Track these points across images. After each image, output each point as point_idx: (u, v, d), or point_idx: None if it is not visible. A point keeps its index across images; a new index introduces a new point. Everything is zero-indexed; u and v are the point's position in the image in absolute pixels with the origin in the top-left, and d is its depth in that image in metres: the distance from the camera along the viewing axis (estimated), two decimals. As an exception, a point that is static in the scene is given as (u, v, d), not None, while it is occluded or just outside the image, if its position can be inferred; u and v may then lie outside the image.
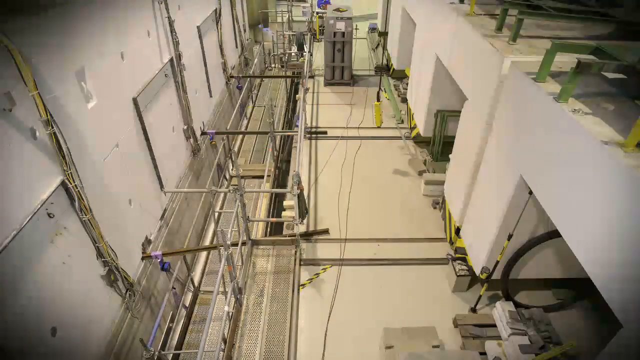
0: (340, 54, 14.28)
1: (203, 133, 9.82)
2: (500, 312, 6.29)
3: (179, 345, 6.65)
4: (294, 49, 16.00)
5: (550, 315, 6.35)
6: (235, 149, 12.13)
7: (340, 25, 13.81)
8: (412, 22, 11.53)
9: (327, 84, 14.92)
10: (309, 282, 7.64)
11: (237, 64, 14.21)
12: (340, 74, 14.80)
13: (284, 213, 8.62)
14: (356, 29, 15.54)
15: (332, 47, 14.23)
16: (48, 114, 4.22)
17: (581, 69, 4.05)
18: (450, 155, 8.06)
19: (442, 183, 8.67)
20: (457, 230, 7.39)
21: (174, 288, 6.86)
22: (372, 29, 19.34)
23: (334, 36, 14.01)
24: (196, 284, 7.85)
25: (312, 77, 15.52)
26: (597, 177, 3.70)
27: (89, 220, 4.89)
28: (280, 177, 11.23)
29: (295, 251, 7.83)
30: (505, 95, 5.57)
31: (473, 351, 5.72)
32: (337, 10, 14.54)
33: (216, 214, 8.80)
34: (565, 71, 4.56)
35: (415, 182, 9.98)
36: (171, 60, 7.76)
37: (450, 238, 8.00)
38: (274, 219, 9.19)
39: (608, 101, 4.40)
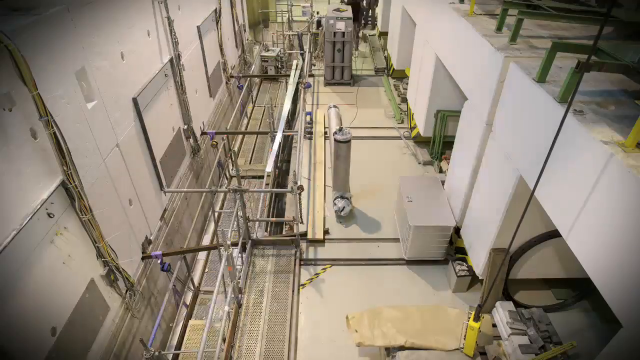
0: (340, 54, 14.24)
1: (203, 133, 9.82)
2: (500, 312, 6.29)
3: (179, 345, 6.65)
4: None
5: (550, 315, 6.34)
6: (235, 149, 12.12)
7: (340, 25, 13.72)
8: (412, 22, 11.53)
9: (327, 84, 14.91)
10: (309, 282, 7.64)
11: (237, 64, 14.21)
12: (341, 74, 14.78)
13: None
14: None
15: (332, 47, 14.14)
16: (48, 114, 4.22)
17: (581, 69, 4.05)
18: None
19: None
20: (457, 230, 7.39)
21: (175, 286, 6.84)
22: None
23: (334, 36, 13.94)
24: (196, 284, 7.85)
25: (311, 75, 15.51)
26: (597, 177, 3.70)
27: (89, 220, 4.89)
28: (280, 177, 11.23)
29: (295, 251, 7.83)
30: (505, 95, 5.57)
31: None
32: (337, 10, 14.42)
33: (216, 214, 8.80)
34: (565, 71, 4.56)
35: (415, 182, 9.97)
36: (171, 60, 7.76)
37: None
38: (274, 219, 9.20)
39: (608, 101, 4.41)
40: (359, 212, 9.22)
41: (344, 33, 13.90)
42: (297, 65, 11.27)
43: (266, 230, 9.27)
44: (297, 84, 11.30)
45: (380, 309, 6.15)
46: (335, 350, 6.49)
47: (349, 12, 14.19)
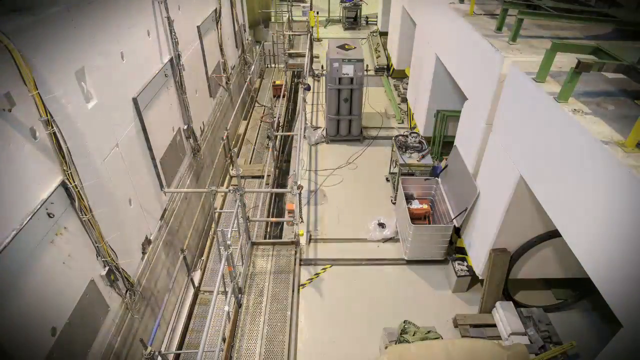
0: (348, 104, 11.07)
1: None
2: (500, 312, 6.29)
3: (179, 346, 6.64)
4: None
5: (550, 315, 6.36)
6: (236, 149, 12.12)
7: (348, 70, 10.51)
8: (412, 22, 11.54)
9: (332, 140, 11.80)
10: (309, 282, 7.64)
11: (237, 64, 14.20)
12: (347, 128, 11.61)
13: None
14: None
15: (336, 96, 11.01)
16: (48, 114, 4.22)
17: (581, 69, 4.05)
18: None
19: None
20: (457, 230, 7.39)
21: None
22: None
23: (339, 82, 10.72)
24: (196, 284, 7.84)
25: (312, 75, 15.42)
26: (597, 177, 3.71)
27: (89, 220, 4.89)
28: (280, 177, 11.23)
29: (295, 251, 7.83)
30: (505, 95, 5.57)
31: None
32: (342, 47, 11.01)
33: (216, 214, 8.80)
34: (565, 71, 4.57)
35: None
36: (171, 60, 7.75)
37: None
38: (274, 219, 9.20)
39: (608, 101, 4.41)
40: (359, 211, 9.22)
41: (352, 79, 10.65)
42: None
43: (266, 231, 9.28)
44: (297, 83, 11.27)
45: (408, 346, 5.47)
46: (335, 351, 6.49)
47: (358, 50, 10.98)
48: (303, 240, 8.39)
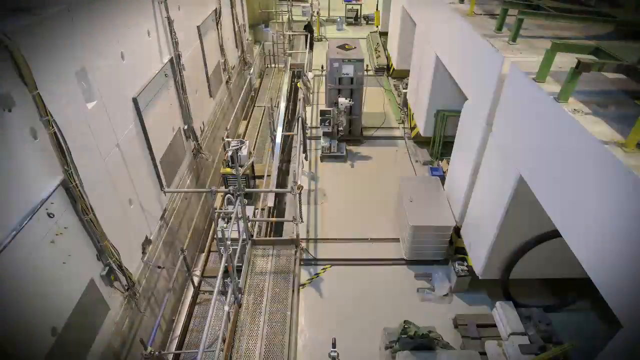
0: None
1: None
2: (500, 312, 6.29)
3: (179, 345, 6.64)
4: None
5: (550, 315, 6.35)
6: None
7: (348, 69, 10.59)
8: (412, 22, 11.54)
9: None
10: (309, 282, 7.64)
11: (237, 64, 14.19)
12: (347, 129, 11.68)
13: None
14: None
15: (336, 96, 11.10)
16: (48, 114, 4.22)
17: (581, 69, 4.06)
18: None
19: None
20: (457, 230, 7.39)
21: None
22: None
23: (339, 82, 10.80)
24: (196, 284, 7.84)
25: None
26: (597, 177, 3.71)
27: (90, 219, 4.89)
28: (280, 177, 11.22)
29: (295, 251, 7.83)
30: (505, 95, 5.57)
31: (473, 351, 5.72)
32: (342, 47, 11.10)
33: (216, 214, 8.80)
34: (565, 71, 4.56)
35: (415, 182, 9.96)
36: (171, 60, 7.75)
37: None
38: (274, 219, 9.19)
39: (608, 101, 4.41)
40: (359, 211, 9.22)
41: (352, 79, 10.75)
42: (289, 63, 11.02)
43: (266, 230, 9.27)
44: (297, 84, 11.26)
45: None
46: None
47: (357, 50, 11.08)
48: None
